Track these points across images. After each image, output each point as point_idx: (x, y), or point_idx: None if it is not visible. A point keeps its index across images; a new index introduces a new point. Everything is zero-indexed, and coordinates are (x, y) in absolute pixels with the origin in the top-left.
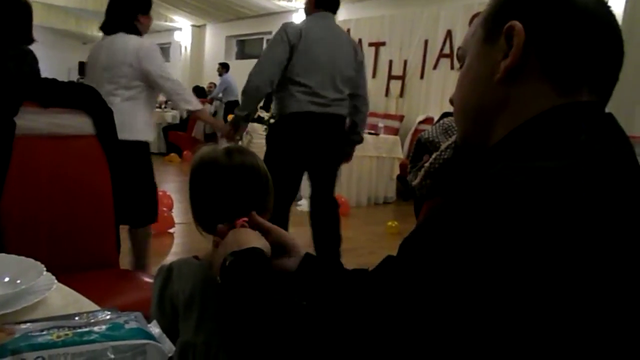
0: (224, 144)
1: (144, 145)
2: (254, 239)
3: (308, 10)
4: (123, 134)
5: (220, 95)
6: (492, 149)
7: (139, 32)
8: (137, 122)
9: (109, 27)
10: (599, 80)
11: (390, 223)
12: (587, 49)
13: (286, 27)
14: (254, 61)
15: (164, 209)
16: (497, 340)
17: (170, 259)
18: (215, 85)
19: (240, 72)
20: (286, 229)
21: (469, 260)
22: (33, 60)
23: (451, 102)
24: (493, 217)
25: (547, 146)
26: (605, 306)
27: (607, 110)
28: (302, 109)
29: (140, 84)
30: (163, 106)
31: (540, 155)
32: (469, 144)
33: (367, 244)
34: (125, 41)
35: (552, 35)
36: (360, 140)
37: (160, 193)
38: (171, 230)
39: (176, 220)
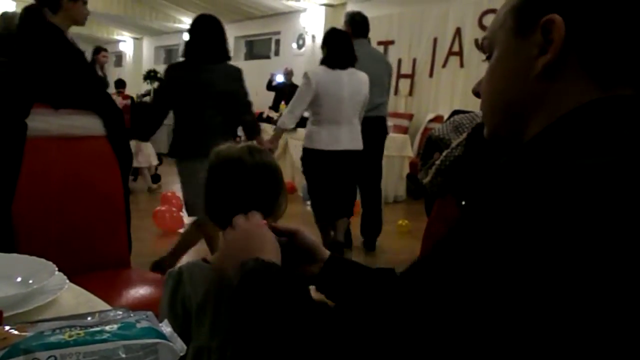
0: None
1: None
2: (270, 247)
3: None
4: (358, 145)
5: None
6: (528, 144)
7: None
8: (360, 136)
9: (346, 63)
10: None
11: (400, 222)
12: (630, 43)
13: None
14: (263, 61)
15: (174, 209)
16: (546, 348)
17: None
18: None
19: (250, 72)
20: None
21: (509, 262)
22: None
23: (476, 94)
24: (534, 217)
25: (588, 142)
26: None
27: None
28: None
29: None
30: None
31: (582, 152)
32: (499, 139)
33: (378, 242)
34: (361, 76)
35: (593, 29)
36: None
37: (169, 194)
38: (181, 230)
39: (185, 220)
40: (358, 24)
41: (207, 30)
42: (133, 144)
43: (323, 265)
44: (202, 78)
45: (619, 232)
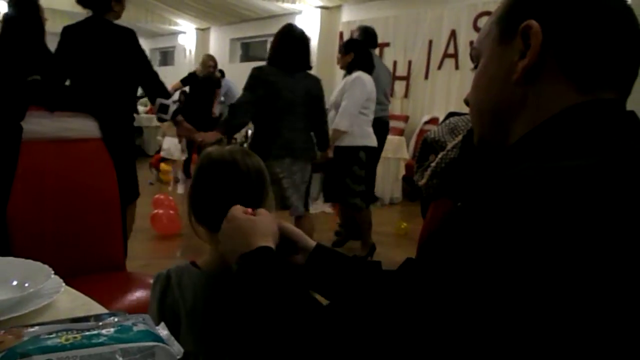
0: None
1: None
2: (271, 230)
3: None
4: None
5: (223, 99)
6: (511, 148)
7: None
8: None
9: (371, 69)
10: (618, 77)
11: (397, 224)
12: (606, 46)
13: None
14: (259, 63)
15: (171, 211)
16: (527, 348)
17: (177, 261)
18: None
19: (246, 74)
20: None
21: (494, 264)
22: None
23: (466, 102)
24: (519, 219)
25: (570, 145)
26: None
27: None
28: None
29: None
30: None
31: (564, 154)
32: (486, 144)
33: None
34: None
35: (570, 34)
36: None
37: (162, 197)
38: (177, 233)
39: (182, 222)
40: (371, 36)
41: (297, 39)
42: (161, 137)
43: (309, 255)
44: (302, 84)
45: (602, 231)
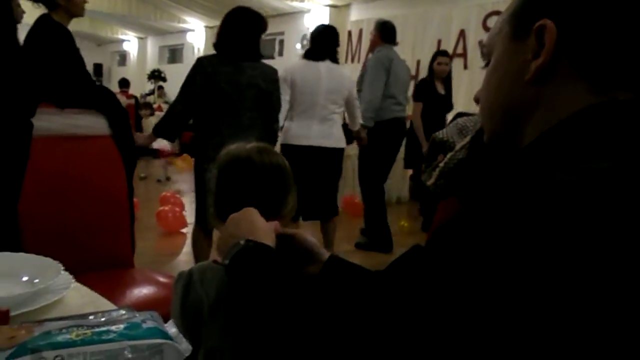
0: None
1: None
2: (260, 228)
3: (373, 46)
4: (340, 144)
5: None
6: (526, 149)
7: (338, 62)
8: (341, 133)
9: (317, 55)
10: (634, 77)
11: (403, 223)
12: (622, 45)
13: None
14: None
15: (177, 209)
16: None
17: (182, 258)
18: None
19: None
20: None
21: (523, 259)
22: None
23: (476, 100)
24: (536, 221)
25: (586, 148)
26: None
27: None
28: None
29: (344, 103)
30: None
31: (580, 157)
32: (497, 143)
33: None
34: (341, 70)
35: (585, 32)
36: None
37: (168, 194)
38: (184, 230)
39: (188, 220)
40: (388, 30)
41: (247, 24)
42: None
43: (322, 266)
44: (246, 76)
45: (621, 235)
